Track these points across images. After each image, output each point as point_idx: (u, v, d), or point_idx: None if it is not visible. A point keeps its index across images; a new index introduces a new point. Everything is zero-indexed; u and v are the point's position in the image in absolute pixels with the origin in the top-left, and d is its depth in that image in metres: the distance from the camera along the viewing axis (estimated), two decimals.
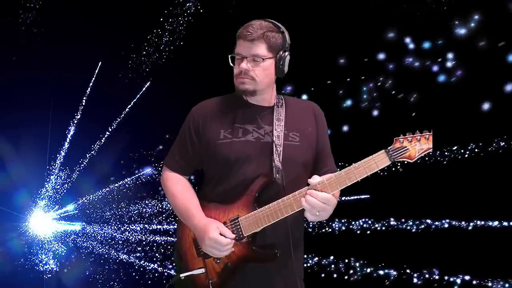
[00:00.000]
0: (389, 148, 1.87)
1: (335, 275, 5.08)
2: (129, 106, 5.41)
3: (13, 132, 4.93)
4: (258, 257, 2.02)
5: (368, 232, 5.10)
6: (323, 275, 5.08)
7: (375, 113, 4.56)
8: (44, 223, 5.48)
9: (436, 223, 4.73)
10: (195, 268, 2.06)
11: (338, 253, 5.11)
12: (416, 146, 1.86)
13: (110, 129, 5.47)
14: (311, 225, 5.12)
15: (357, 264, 5.08)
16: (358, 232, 5.16)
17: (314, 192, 1.89)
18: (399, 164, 4.20)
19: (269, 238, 2.03)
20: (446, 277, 4.60)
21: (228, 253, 1.99)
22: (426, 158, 4.33)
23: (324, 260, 5.16)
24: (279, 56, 2.06)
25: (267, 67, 2.05)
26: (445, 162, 4.46)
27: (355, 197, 4.89)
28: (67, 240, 5.64)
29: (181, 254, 2.15)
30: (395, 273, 4.89)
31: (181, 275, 2.07)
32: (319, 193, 1.89)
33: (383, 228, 5.03)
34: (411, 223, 4.86)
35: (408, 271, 4.80)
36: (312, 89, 4.44)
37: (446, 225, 4.67)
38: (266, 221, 1.97)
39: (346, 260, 5.11)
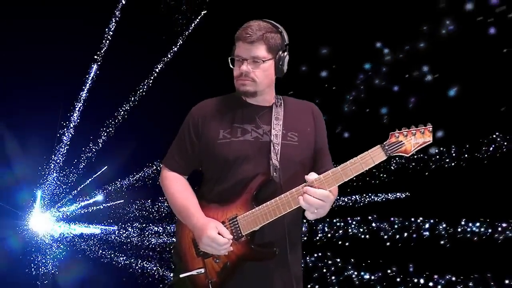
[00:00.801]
0: (384, 143, 1.89)
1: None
2: (130, 106, 5.41)
3: (17, 131, 4.95)
4: (257, 256, 2.02)
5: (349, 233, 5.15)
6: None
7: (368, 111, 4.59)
8: (43, 222, 5.45)
9: (426, 225, 4.77)
10: (194, 268, 2.07)
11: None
12: (412, 140, 1.87)
13: (110, 129, 5.47)
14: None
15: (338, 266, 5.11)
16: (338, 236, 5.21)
17: (311, 189, 1.89)
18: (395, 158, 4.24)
19: (267, 237, 2.04)
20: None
21: (226, 252, 2.00)
22: (411, 163, 4.38)
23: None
24: (278, 57, 2.07)
25: (267, 68, 2.06)
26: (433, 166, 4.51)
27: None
28: (65, 241, 5.59)
29: (180, 254, 2.15)
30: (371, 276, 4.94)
31: (180, 275, 2.08)
32: (316, 190, 1.89)
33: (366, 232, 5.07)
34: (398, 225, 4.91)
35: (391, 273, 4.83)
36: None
37: (427, 234, 4.71)
38: (264, 220, 1.98)
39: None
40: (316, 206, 1.90)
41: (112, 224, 5.83)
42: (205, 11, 5.01)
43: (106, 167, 5.52)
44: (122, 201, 5.76)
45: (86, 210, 5.72)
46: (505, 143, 4.22)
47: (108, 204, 5.75)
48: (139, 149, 5.35)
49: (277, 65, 2.08)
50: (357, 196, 5.14)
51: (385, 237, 5.01)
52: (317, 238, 5.26)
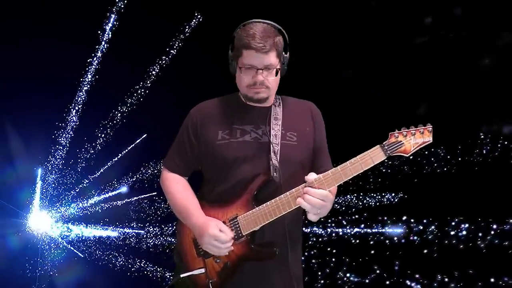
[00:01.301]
0: (384, 143, 1.89)
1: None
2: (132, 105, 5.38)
3: (19, 130, 4.96)
4: (257, 255, 2.03)
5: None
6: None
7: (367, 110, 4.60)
8: (43, 222, 5.38)
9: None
10: (195, 268, 2.08)
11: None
12: (411, 140, 1.87)
13: (111, 130, 5.43)
14: None
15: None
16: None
17: (311, 190, 1.90)
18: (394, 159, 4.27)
19: (267, 237, 2.05)
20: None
21: (228, 251, 2.00)
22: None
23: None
24: (283, 58, 2.09)
25: (277, 73, 2.07)
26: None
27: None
28: (64, 241, 5.53)
29: (181, 254, 2.16)
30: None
31: (181, 275, 2.08)
32: (316, 191, 1.90)
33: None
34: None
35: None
36: None
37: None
38: (264, 220, 1.99)
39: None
40: (318, 207, 1.90)
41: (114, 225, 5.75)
42: (200, 16, 5.00)
43: (145, 135, 5.40)
44: (155, 193, 5.65)
45: (95, 210, 5.67)
46: (499, 145, 4.26)
47: (135, 198, 5.67)
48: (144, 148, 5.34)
49: (282, 67, 2.10)
50: (351, 197, 5.16)
51: (372, 242, 5.03)
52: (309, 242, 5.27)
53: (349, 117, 4.45)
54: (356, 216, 5.16)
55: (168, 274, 5.44)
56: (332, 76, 4.63)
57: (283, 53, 2.09)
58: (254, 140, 2.09)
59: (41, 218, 5.41)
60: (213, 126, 2.13)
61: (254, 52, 2.00)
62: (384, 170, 4.78)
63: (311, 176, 1.93)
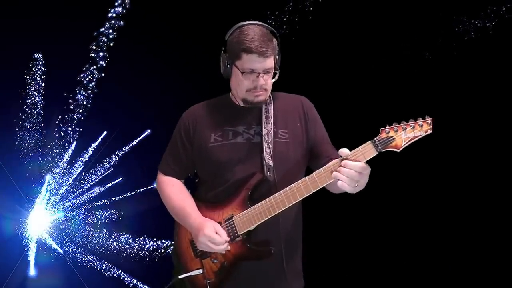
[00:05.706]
0: (375, 138, 1.86)
1: None
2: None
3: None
4: (253, 255, 2.04)
5: None
6: None
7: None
8: (42, 219, 5.30)
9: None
10: (193, 269, 2.10)
11: None
12: (402, 135, 1.84)
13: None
14: None
15: None
16: None
17: (349, 163, 1.83)
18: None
19: (263, 236, 2.06)
20: None
21: (223, 251, 2.02)
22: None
23: None
24: (276, 61, 2.09)
25: (274, 76, 2.07)
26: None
27: None
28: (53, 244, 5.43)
29: (178, 255, 2.19)
30: None
31: (179, 276, 2.11)
32: (352, 163, 1.82)
33: None
34: None
35: None
36: None
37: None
38: (259, 219, 2.00)
39: None
40: (356, 179, 1.84)
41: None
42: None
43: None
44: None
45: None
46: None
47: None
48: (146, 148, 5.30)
49: (275, 68, 2.09)
50: None
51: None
52: None
53: (342, 111, 4.41)
54: None
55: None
56: (324, 71, 4.59)
57: (277, 56, 2.09)
58: (246, 141, 2.10)
59: (41, 216, 5.32)
60: (206, 128, 2.15)
61: (256, 57, 1.99)
62: None
63: (344, 150, 1.88)
